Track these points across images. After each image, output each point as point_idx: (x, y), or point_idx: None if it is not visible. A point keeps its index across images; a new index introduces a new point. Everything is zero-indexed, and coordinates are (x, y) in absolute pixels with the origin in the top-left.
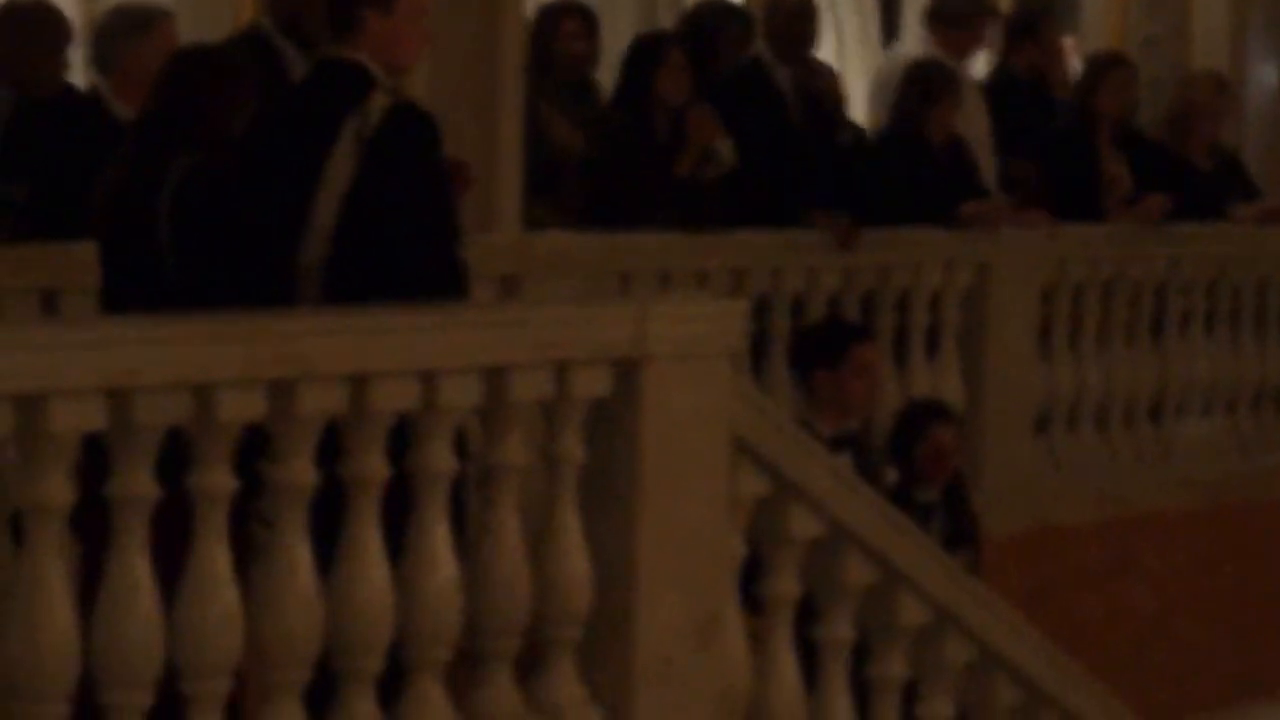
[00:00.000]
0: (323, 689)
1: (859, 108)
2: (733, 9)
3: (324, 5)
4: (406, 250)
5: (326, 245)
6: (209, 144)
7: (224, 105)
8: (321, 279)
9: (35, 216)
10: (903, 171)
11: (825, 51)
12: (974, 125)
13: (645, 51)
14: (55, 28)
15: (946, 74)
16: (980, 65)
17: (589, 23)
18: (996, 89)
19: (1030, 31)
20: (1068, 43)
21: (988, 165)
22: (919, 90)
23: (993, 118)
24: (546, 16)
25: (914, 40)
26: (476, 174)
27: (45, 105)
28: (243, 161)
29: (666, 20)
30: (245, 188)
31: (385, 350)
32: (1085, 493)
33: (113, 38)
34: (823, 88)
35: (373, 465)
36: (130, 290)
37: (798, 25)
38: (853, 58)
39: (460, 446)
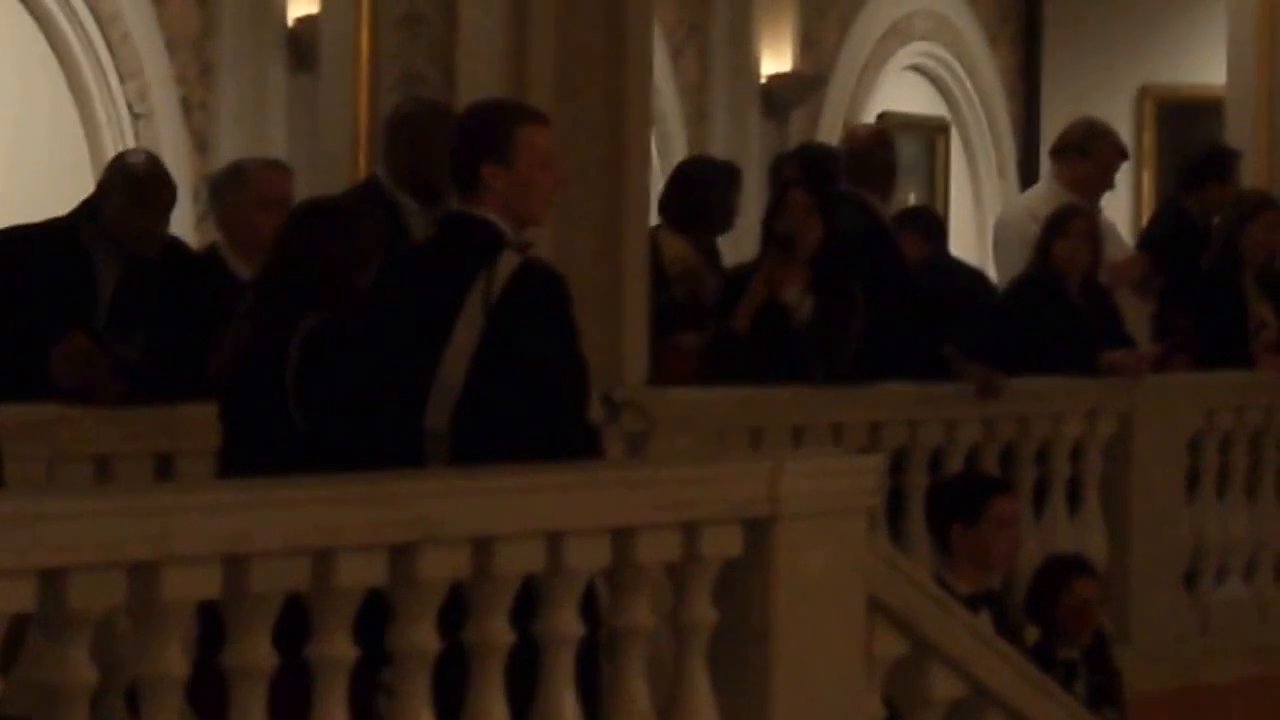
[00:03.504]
0: None
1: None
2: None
3: (447, 160)
4: (535, 413)
5: (453, 408)
6: (335, 301)
7: (350, 260)
8: (449, 443)
9: (148, 378)
10: (1041, 319)
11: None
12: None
13: (776, 196)
14: (158, 188)
15: (1080, 211)
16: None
17: None
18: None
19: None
20: None
21: (1132, 309)
22: (1052, 229)
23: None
24: None
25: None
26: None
27: (152, 265)
28: (370, 321)
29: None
30: (373, 348)
31: (510, 511)
32: (1233, 649)
33: (215, 194)
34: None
35: (497, 630)
36: (252, 452)
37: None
38: (988, 197)
39: (589, 609)
